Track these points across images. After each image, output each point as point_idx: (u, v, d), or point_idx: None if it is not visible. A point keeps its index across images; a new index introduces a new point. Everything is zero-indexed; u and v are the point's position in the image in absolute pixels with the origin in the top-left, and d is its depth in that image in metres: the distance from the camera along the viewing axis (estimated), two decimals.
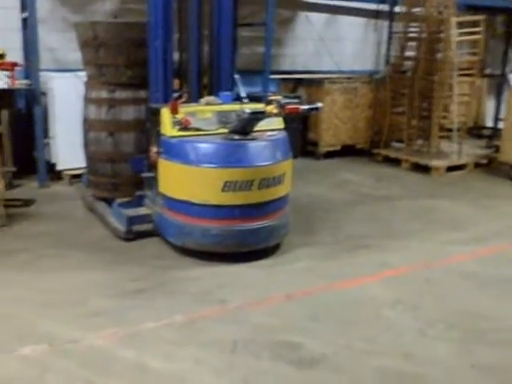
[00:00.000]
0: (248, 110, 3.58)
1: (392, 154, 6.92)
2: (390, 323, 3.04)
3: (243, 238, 3.81)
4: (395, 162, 6.81)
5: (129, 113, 4.64)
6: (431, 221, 4.80)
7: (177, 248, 3.96)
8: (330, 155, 7.13)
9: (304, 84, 7.43)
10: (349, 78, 7.35)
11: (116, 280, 3.54)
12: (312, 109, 3.78)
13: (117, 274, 3.64)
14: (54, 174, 5.75)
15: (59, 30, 6.18)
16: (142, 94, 4.59)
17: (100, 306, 3.21)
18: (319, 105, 3.76)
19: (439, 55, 6.66)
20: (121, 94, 4.62)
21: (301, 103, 3.98)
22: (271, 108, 3.61)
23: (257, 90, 6.79)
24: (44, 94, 5.72)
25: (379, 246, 4.18)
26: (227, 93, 4.38)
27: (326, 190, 5.68)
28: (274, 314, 3.14)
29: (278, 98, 3.79)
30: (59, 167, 5.76)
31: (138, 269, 3.70)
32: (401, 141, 7.14)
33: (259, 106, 3.81)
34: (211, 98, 4.30)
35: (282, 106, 3.58)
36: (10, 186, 5.42)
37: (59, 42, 6.15)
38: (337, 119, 7.10)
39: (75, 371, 2.59)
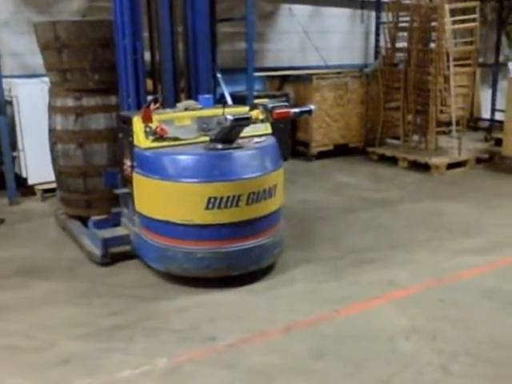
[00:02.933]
0: (230, 117, 3.13)
1: (388, 153, 6.51)
2: (407, 359, 2.62)
3: (233, 260, 3.36)
4: (392, 161, 6.41)
5: (99, 121, 4.19)
6: (438, 226, 4.39)
7: (159, 273, 3.52)
8: (322, 156, 6.71)
9: (291, 81, 7.00)
10: (338, 73, 6.93)
11: (90, 315, 3.08)
12: (304, 111, 3.35)
13: (91, 307, 3.18)
14: (26, 188, 5.28)
15: (24, 32, 5.67)
16: (113, 100, 4.16)
17: (69, 349, 2.75)
18: (312, 107, 3.33)
19: (433, 45, 6.26)
20: (89, 101, 4.16)
21: (289, 104, 3.53)
22: (257, 113, 3.17)
23: (241, 88, 6.39)
24: (9, 102, 5.24)
25: (385, 259, 3.76)
26: (207, 95, 3.95)
27: (321, 195, 5.25)
28: (272, 352, 2.70)
29: (265, 101, 3.36)
30: (31, 181, 5.28)
31: (115, 300, 3.24)
32: (396, 137, 6.74)
33: (243, 111, 3.37)
34: (190, 102, 3.87)
35: (269, 111, 3.15)
36: None
37: (24, 46, 5.65)
38: (328, 117, 6.68)
39: None
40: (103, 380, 2.51)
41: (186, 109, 3.75)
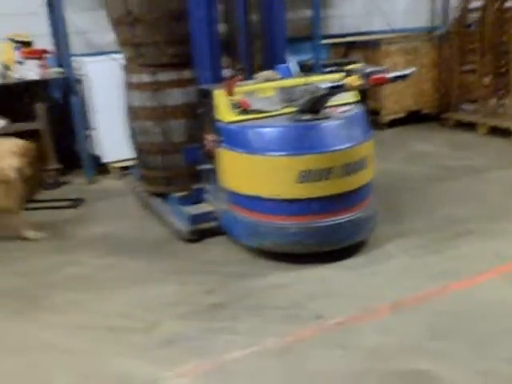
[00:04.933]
0: (324, 85, 2.97)
1: (465, 118, 6.19)
2: None
3: (325, 235, 3.24)
4: (469, 127, 6.09)
5: (175, 97, 4.10)
6: None
7: (248, 249, 3.44)
8: (393, 124, 6.45)
9: (357, 47, 6.72)
10: (406, 37, 6.60)
11: (187, 293, 3.05)
12: (399, 76, 3.14)
13: (187, 285, 3.14)
14: (101, 167, 5.30)
15: (88, 9, 5.61)
16: (188, 74, 4.05)
17: (173, 330, 2.72)
18: (409, 71, 3.13)
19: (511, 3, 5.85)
20: (164, 76, 4.08)
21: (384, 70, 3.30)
22: (353, 80, 3.00)
23: (305, 57, 6.21)
24: (79, 81, 5.24)
25: (484, 230, 3.55)
26: (286, 65, 3.82)
27: (401, 165, 5.04)
28: (384, 332, 2.58)
29: (359, 66, 3.18)
30: (105, 160, 5.30)
31: (209, 278, 3.19)
32: (473, 101, 6.40)
33: (336, 78, 3.20)
34: (269, 73, 3.73)
35: (366, 77, 2.97)
36: (56, 184, 5.01)
37: (90, 23, 5.60)
38: (399, 83, 6.38)
39: None
40: (214, 362, 2.45)
41: (267, 80, 3.63)
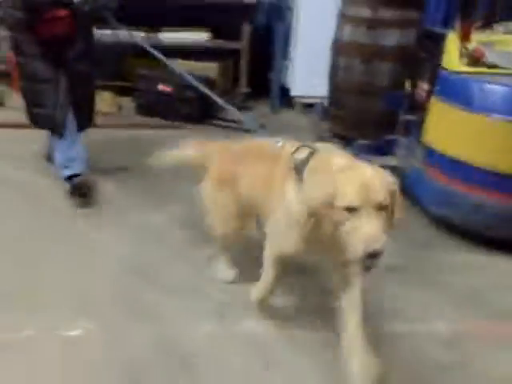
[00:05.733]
0: None
1: None
2: None
3: None
4: None
5: (391, 37, 3.72)
6: None
7: (432, 218, 3.00)
8: None
9: None
10: None
11: None
12: None
13: None
14: (286, 99, 5.11)
15: None
16: (411, 14, 3.62)
17: None
18: None
19: None
20: (385, 13, 3.70)
21: None
22: None
23: None
24: (288, 8, 5.03)
25: None
26: None
27: None
28: None
29: None
30: (293, 93, 5.08)
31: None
32: None
33: None
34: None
35: None
36: (241, 108, 4.93)
37: None
38: None
39: None
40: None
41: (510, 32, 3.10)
